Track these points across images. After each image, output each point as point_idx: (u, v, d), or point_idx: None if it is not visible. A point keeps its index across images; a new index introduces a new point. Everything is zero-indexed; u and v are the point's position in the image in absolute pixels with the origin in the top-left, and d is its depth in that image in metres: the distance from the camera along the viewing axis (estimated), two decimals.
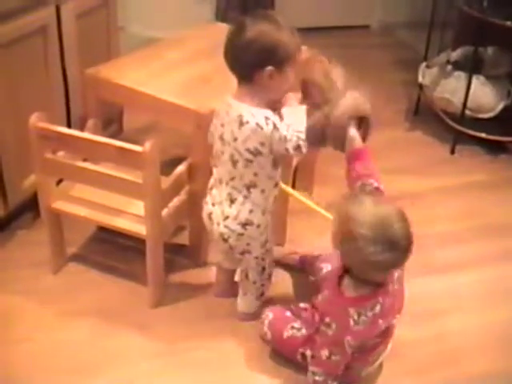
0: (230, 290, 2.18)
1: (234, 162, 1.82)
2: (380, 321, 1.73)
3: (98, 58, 2.48)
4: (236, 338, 2.08)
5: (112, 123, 2.80)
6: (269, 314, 1.98)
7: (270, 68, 1.73)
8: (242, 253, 1.98)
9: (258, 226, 1.90)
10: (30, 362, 1.97)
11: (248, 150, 1.78)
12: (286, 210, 2.40)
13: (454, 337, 2.14)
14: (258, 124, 1.74)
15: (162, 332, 2.08)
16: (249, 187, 1.85)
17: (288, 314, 1.96)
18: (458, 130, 3.12)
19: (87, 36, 2.50)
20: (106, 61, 2.46)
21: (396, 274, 1.78)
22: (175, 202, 2.14)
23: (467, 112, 3.05)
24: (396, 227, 1.61)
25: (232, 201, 1.87)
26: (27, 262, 2.31)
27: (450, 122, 3.14)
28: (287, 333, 1.92)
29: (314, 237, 2.47)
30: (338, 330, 1.74)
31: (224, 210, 1.89)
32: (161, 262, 2.13)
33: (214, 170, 1.92)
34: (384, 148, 3.17)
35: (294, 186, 2.76)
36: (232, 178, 1.85)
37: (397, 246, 1.60)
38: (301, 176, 2.76)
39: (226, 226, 1.89)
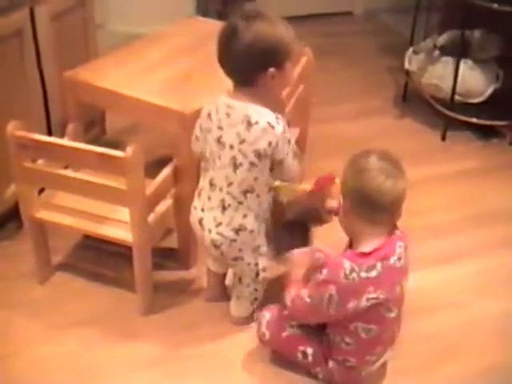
0: (222, 293, 2.12)
1: (236, 166, 1.74)
2: (370, 288, 1.66)
3: (77, 59, 2.42)
4: (231, 342, 2.03)
5: (94, 125, 2.73)
6: (266, 314, 1.92)
7: (271, 70, 1.68)
8: (235, 259, 1.92)
9: (251, 232, 1.84)
10: (22, 377, 1.91)
11: (256, 151, 1.71)
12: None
13: (453, 332, 2.10)
14: (269, 123, 1.69)
15: (154, 340, 2.03)
16: (246, 192, 1.78)
17: (286, 312, 1.89)
18: (448, 116, 3.07)
19: (64, 37, 2.43)
20: (85, 62, 2.40)
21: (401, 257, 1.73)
22: (161, 206, 2.07)
23: (457, 97, 3.00)
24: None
25: (225, 207, 1.81)
26: (13, 274, 2.24)
27: (440, 108, 3.09)
28: (286, 332, 1.87)
29: None
30: (327, 275, 1.69)
31: (216, 216, 1.82)
32: (149, 269, 2.07)
33: (205, 174, 1.85)
34: (373, 136, 3.13)
35: None
36: (229, 184, 1.78)
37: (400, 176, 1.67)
38: None
39: (218, 233, 1.83)
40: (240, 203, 1.80)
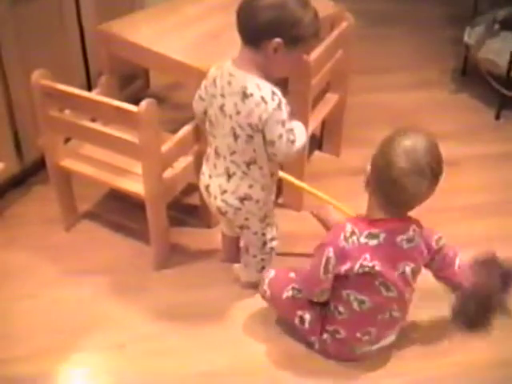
0: (236, 255, 2.12)
1: (236, 137, 1.72)
2: (367, 255, 1.63)
3: (121, 12, 2.41)
4: (238, 305, 2.03)
5: (136, 79, 2.75)
6: (271, 272, 1.91)
7: (278, 40, 1.61)
8: (241, 227, 1.91)
9: (257, 202, 1.82)
10: (30, 319, 1.98)
11: (250, 124, 1.68)
12: (301, 173, 2.31)
13: None
14: (263, 98, 1.64)
15: (162, 296, 2.05)
16: (249, 164, 1.76)
17: (292, 275, 1.87)
18: (503, 94, 2.92)
19: None
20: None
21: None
22: (181, 162, 2.08)
23: None
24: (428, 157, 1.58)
25: (230, 175, 1.79)
26: (41, 219, 2.32)
27: (496, 85, 2.94)
28: (287, 293, 1.85)
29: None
30: (328, 238, 1.69)
31: (222, 183, 1.81)
32: (163, 224, 2.09)
33: (211, 140, 1.83)
34: (426, 110, 3.04)
35: (320, 148, 2.69)
36: (232, 153, 1.76)
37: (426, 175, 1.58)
38: (328, 138, 2.66)
39: (223, 200, 1.82)
40: (245, 173, 1.77)
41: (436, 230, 1.76)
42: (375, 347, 1.82)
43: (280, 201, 2.40)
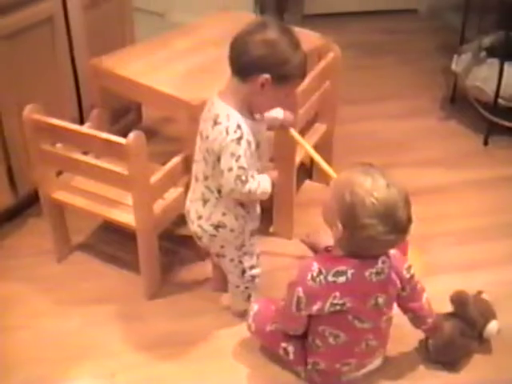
0: (225, 285, 2.14)
1: (206, 162, 1.77)
2: (337, 293, 1.64)
3: (112, 46, 2.47)
4: (228, 333, 2.05)
5: (129, 112, 2.80)
6: (254, 306, 1.94)
7: (266, 76, 1.65)
8: (217, 255, 1.95)
9: (232, 230, 1.85)
10: (22, 349, 2.00)
11: (213, 150, 1.72)
12: (291, 202, 2.34)
13: None
14: (226, 128, 1.68)
15: (154, 324, 2.08)
16: (220, 190, 1.79)
17: (273, 307, 1.90)
18: (491, 121, 2.96)
19: (98, 24, 2.51)
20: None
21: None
22: (171, 193, 2.12)
23: (500, 101, 2.89)
24: (401, 213, 1.58)
25: (205, 201, 1.83)
26: (35, 250, 2.35)
27: (483, 112, 2.99)
28: (270, 327, 1.87)
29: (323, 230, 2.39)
30: (296, 277, 1.68)
31: (198, 208, 1.85)
32: (154, 254, 2.12)
33: (193, 164, 1.88)
34: (416, 138, 3.09)
35: (310, 177, 2.73)
36: (205, 178, 1.80)
37: (400, 229, 1.60)
38: (318, 168, 2.69)
39: (199, 226, 1.86)
40: (218, 200, 1.81)
41: (405, 258, 1.78)
42: (361, 373, 1.83)
43: (271, 230, 2.43)
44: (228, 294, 2.09)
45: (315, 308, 1.67)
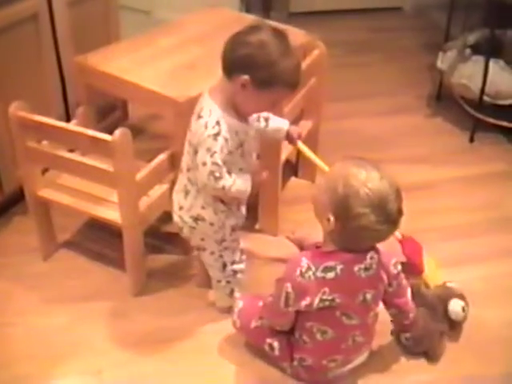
0: (210, 280, 2.15)
1: (188, 153, 1.80)
2: (326, 289, 1.65)
3: (97, 44, 2.45)
4: (212, 329, 2.05)
5: (115, 110, 2.80)
6: (239, 303, 1.94)
7: (245, 77, 1.64)
8: (198, 248, 1.96)
9: (212, 224, 1.86)
10: (8, 346, 1.99)
11: (193, 143, 1.74)
12: (276, 199, 2.35)
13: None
14: (206, 123, 1.69)
15: (140, 321, 2.08)
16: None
17: (260, 303, 1.90)
18: (476, 118, 2.98)
19: (83, 22, 2.51)
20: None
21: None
22: (156, 190, 2.12)
23: (486, 98, 2.92)
24: (392, 205, 1.60)
25: (186, 192, 1.85)
26: (21, 248, 2.34)
27: (468, 109, 3.01)
28: (255, 323, 1.88)
29: (308, 227, 2.40)
30: (285, 273, 1.69)
31: (180, 199, 1.87)
32: (139, 250, 2.12)
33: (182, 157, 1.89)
34: (402, 135, 3.11)
35: (296, 174, 2.74)
36: (188, 169, 1.82)
37: (392, 220, 1.61)
38: (303, 164, 2.71)
39: (179, 217, 1.88)
40: (198, 192, 1.82)
41: (393, 253, 1.79)
42: (347, 368, 1.84)
43: (257, 226, 2.44)
44: (213, 291, 2.10)
45: (304, 304, 1.67)
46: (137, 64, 2.24)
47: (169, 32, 2.49)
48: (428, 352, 1.95)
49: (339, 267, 1.65)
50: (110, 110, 2.76)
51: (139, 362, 1.95)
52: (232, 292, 2.04)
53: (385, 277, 1.72)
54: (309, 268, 1.65)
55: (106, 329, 2.05)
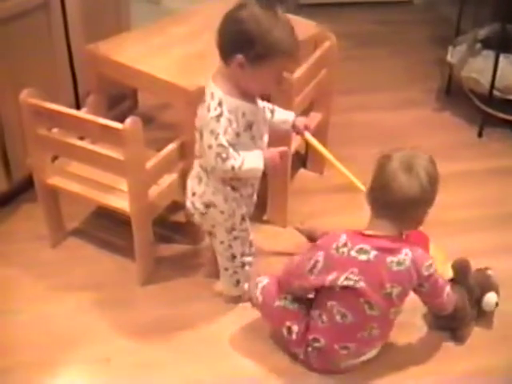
0: (218, 270, 2.15)
1: (196, 140, 1.80)
2: (355, 269, 1.68)
3: (107, 32, 2.45)
4: (218, 320, 2.06)
5: (125, 99, 2.80)
6: (264, 279, 1.92)
7: (239, 56, 1.62)
8: (209, 233, 1.96)
9: (222, 212, 1.86)
10: (16, 333, 2.00)
11: (197, 128, 1.76)
12: (286, 190, 2.35)
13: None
14: (208, 106, 1.69)
15: (147, 310, 2.08)
16: (209, 171, 1.81)
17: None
18: (486, 112, 2.97)
19: (94, 10, 2.50)
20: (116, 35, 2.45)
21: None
22: (166, 179, 2.12)
23: (495, 93, 2.91)
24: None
25: (200, 179, 1.85)
26: (29, 236, 2.35)
27: (478, 103, 3.00)
28: (279, 302, 1.86)
29: (316, 219, 2.41)
30: (321, 242, 1.76)
31: (193, 185, 1.88)
32: (148, 239, 2.13)
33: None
34: (409, 128, 3.10)
35: (305, 166, 2.73)
36: (199, 156, 1.83)
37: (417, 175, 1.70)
38: (312, 156, 2.70)
39: (191, 202, 1.89)
40: (208, 178, 1.82)
41: (428, 256, 1.79)
42: (359, 360, 1.84)
43: (265, 217, 2.44)
44: (220, 281, 2.10)
45: (330, 278, 1.69)
46: (148, 53, 2.24)
47: (180, 21, 2.49)
48: (456, 331, 1.97)
49: (373, 253, 1.68)
50: (120, 98, 2.75)
51: (146, 351, 1.96)
52: (238, 282, 2.05)
53: (414, 277, 1.72)
54: (345, 244, 1.69)
55: (113, 317, 2.06)
